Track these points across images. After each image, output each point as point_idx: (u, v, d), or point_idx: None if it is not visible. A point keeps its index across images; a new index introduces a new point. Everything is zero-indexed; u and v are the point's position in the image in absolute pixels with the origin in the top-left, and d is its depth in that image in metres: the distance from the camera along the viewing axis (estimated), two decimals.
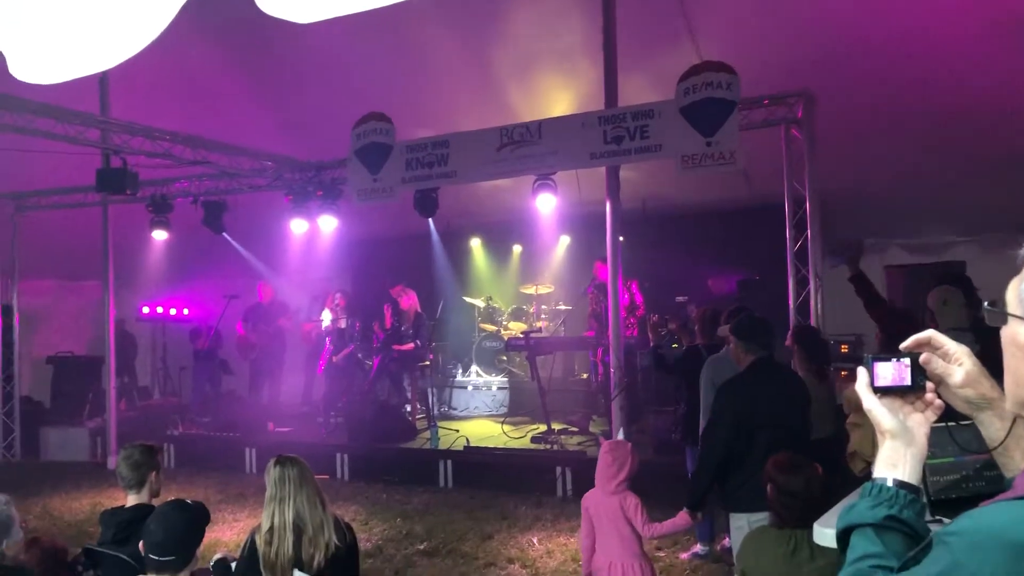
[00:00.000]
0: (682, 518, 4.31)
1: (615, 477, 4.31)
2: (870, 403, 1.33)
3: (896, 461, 1.29)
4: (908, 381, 1.33)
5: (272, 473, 3.36)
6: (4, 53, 2.27)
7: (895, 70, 7.00)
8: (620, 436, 4.57)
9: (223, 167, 9.33)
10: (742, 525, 4.14)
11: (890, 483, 1.27)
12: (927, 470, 2.30)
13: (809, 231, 7.17)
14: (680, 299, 10.08)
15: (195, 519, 3.18)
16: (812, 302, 7.12)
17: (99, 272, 10.57)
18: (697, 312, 6.68)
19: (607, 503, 4.30)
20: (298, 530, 3.29)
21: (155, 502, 3.90)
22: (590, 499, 4.42)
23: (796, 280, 7.37)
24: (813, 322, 7.00)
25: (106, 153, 8.50)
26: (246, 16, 1.79)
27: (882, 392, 1.33)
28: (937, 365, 1.34)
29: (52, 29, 2.07)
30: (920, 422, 1.32)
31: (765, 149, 7.64)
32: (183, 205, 10.30)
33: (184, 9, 2.15)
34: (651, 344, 6.62)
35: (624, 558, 4.20)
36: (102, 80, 8.13)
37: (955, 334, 1.46)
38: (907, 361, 1.33)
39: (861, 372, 1.35)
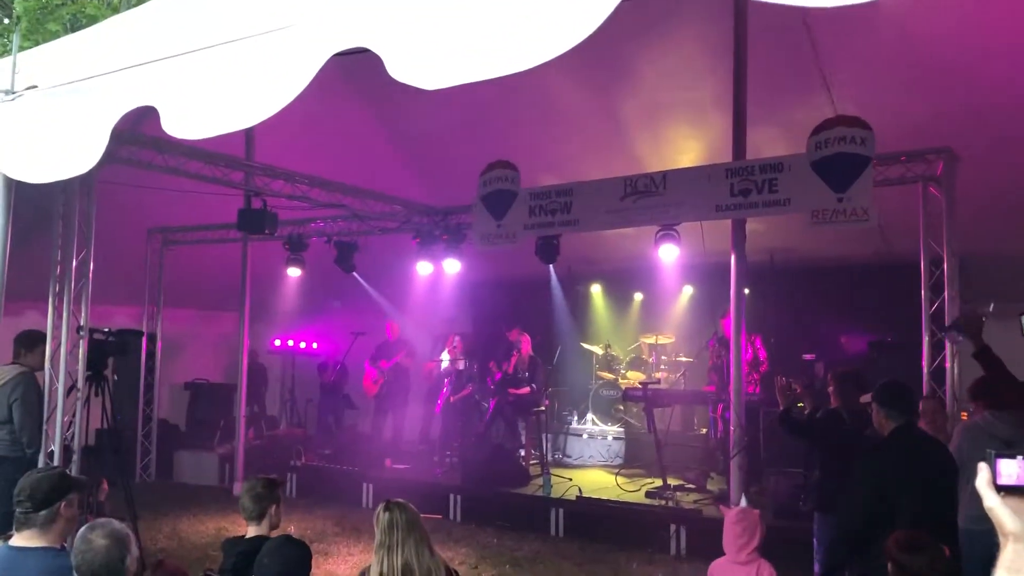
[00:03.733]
0: None
1: (746, 547, 4.18)
2: (992, 502, 1.24)
3: (1020, 567, 1.20)
4: None
5: (381, 519, 3.40)
6: (159, 110, 2.46)
7: None
8: (743, 503, 4.45)
9: (356, 210, 9.70)
10: None
11: None
12: None
13: (947, 293, 6.82)
14: (807, 357, 9.73)
15: (304, 555, 3.32)
16: (948, 366, 6.74)
17: (236, 305, 11.11)
18: (833, 374, 6.41)
19: (738, 573, 4.16)
20: None
21: (273, 534, 4.05)
22: (718, 569, 4.28)
23: (932, 344, 7.00)
24: (948, 390, 6.62)
25: (248, 194, 8.99)
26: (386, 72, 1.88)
27: (1006, 491, 1.25)
28: None
29: (200, 90, 2.24)
30: None
31: (901, 205, 7.35)
32: (317, 244, 10.78)
33: (329, 65, 2.27)
34: (780, 408, 6.39)
35: None
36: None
37: None
38: None
39: (982, 468, 1.26)
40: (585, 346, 12.53)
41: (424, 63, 1.78)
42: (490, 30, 1.74)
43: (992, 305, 4.96)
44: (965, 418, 6.91)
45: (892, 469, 4.08)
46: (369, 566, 3.45)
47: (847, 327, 10.12)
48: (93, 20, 15.69)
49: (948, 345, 6.77)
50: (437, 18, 1.81)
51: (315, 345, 13.88)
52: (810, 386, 6.49)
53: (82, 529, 3.12)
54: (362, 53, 2.09)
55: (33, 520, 3.35)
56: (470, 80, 1.72)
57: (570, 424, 12.15)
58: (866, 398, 4.93)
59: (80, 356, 7.00)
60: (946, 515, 3.89)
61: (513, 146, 8.52)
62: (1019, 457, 1.25)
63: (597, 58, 7.46)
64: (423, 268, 10.46)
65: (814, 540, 6.07)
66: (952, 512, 4.08)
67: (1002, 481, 1.25)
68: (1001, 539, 1.24)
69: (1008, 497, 1.24)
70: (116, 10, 17.83)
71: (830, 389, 6.15)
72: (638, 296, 12.75)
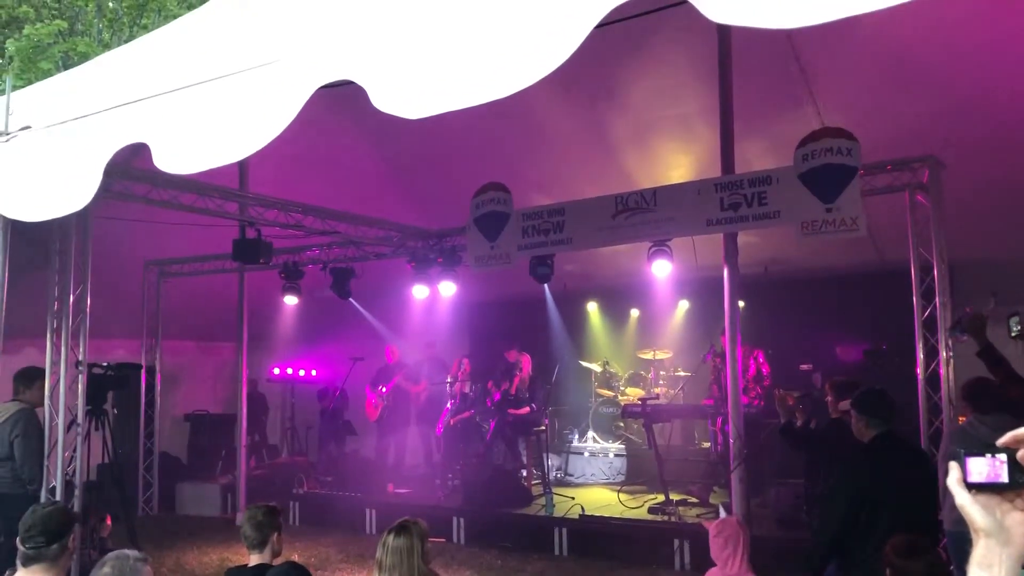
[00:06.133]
0: None
1: (732, 558, 4.19)
2: (963, 500, 1.28)
3: (991, 562, 1.24)
4: (1005, 478, 1.25)
5: (386, 539, 3.44)
6: (150, 146, 2.51)
7: None
8: (723, 514, 4.48)
9: (350, 236, 9.76)
10: None
11: None
12: None
13: (938, 299, 6.86)
14: (804, 367, 9.76)
15: None
16: (942, 372, 6.77)
17: (234, 334, 11.14)
18: (830, 384, 6.44)
19: None
20: None
21: (276, 562, 4.07)
22: None
23: (925, 350, 7.05)
24: (944, 395, 6.65)
25: (243, 224, 9.04)
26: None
27: (976, 488, 1.28)
28: None
29: (190, 126, 2.29)
30: (1019, 521, 1.25)
31: (891, 214, 7.41)
32: (313, 271, 10.83)
33: (320, 93, 2.32)
34: (781, 421, 6.44)
35: None
36: None
37: None
38: (1003, 457, 1.25)
39: (953, 467, 1.30)
40: (584, 364, 12.55)
41: (407, 93, 1.83)
42: (469, 60, 1.80)
43: (993, 303, 4.96)
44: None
45: (872, 475, 4.13)
46: None
47: (842, 336, 10.17)
48: (85, 57, 15.82)
49: (942, 352, 6.80)
50: (418, 49, 1.86)
51: (314, 372, 13.90)
52: (805, 397, 6.52)
53: (112, 558, 3.02)
54: (350, 84, 2.15)
55: (44, 555, 3.36)
56: (452, 108, 1.77)
57: (571, 443, 12.16)
58: (845, 405, 4.98)
59: (79, 391, 7.02)
60: (924, 520, 3.95)
61: (504, 168, 8.58)
62: (988, 455, 1.27)
63: (584, 79, 7.54)
64: (419, 292, 10.50)
65: None
66: (931, 517, 4.14)
67: (972, 479, 1.27)
68: (973, 535, 1.27)
69: (978, 494, 1.27)
70: (108, 47, 17.95)
71: (828, 399, 6.19)
72: (634, 312, 12.78)
